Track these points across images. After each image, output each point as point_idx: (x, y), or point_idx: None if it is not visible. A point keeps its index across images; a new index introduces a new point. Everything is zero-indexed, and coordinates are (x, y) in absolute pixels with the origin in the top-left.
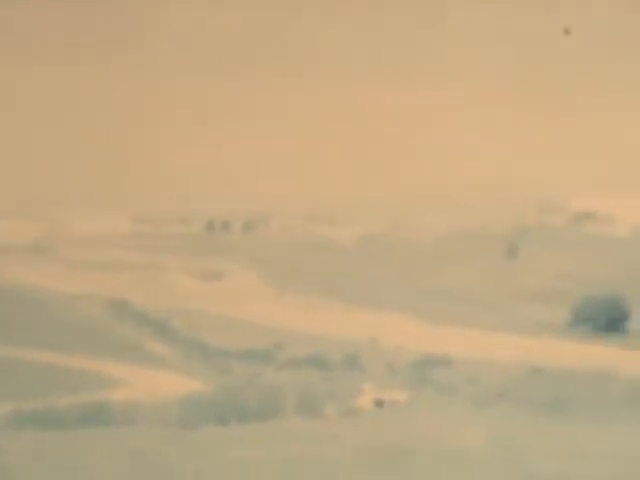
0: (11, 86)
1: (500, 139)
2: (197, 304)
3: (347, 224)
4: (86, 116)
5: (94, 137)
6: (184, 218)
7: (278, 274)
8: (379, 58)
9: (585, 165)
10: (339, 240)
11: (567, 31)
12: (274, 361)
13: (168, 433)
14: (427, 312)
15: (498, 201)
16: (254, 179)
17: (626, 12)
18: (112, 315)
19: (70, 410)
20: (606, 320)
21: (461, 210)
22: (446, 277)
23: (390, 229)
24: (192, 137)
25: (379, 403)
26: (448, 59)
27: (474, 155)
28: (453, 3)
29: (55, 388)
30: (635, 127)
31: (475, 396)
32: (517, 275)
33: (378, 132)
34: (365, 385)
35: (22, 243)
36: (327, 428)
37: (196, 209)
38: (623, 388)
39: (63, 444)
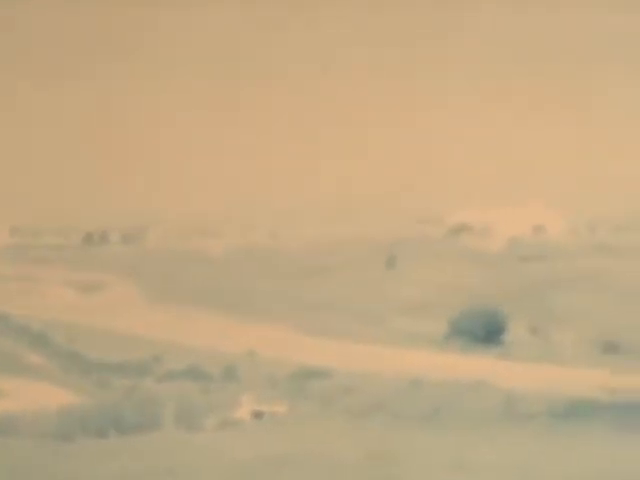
0: None
1: (376, 151)
2: (75, 316)
3: (225, 235)
4: None
5: None
6: (62, 230)
7: (157, 286)
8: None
9: (462, 177)
10: (217, 251)
11: None
12: (152, 373)
13: (46, 445)
14: (305, 323)
15: (376, 212)
16: (132, 191)
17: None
18: None
19: None
20: (483, 332)
21: (339, 221)
22: (324, 288)
23: (268, 240)
24: (71, 149)
25: (257, 415)
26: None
27: (352, 167)
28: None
29: None
30: (512, 141)
31: (353, 408)
32: (395, 287)
33: (260, 142)
34: (243, 397)
35: None
36: (206, 440)
37: (74, 221)
38: (500, 399)
39: None
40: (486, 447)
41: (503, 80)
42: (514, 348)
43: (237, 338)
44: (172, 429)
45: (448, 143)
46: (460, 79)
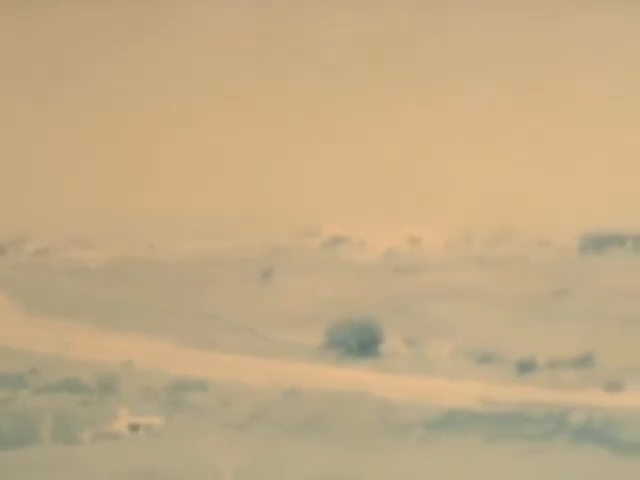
0: None
1: (252, 165)
2: None
3: (103, 247)
4: None
5: None
6: None
7: (33, 298)
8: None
9: (338, 190)
10: (95, 263)
11: None
12: (29, 386)
13: None
14: (182, 336)
15: (252, 225)
16: (7, 202)
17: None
18: None
19: None
20: (359, 343)
21: (216, 233)
22: (201, 300)
23: (145, 252)
24: None
25: (134, 427)
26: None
27: (228, 179)
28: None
29: None
30: (388, 154)
31: (230, 419)
32: (272, 299)
33: (138, 155)
34: (121, 409)
35: None
36: (83, 453)
37: None
38: (376, 410)
39: None
40: (363, 457)
41: (384, 96)
42: (390, 359)
43: (114, 350)
44: (49, 442)
45: (324, 155)
46: (332, 96)
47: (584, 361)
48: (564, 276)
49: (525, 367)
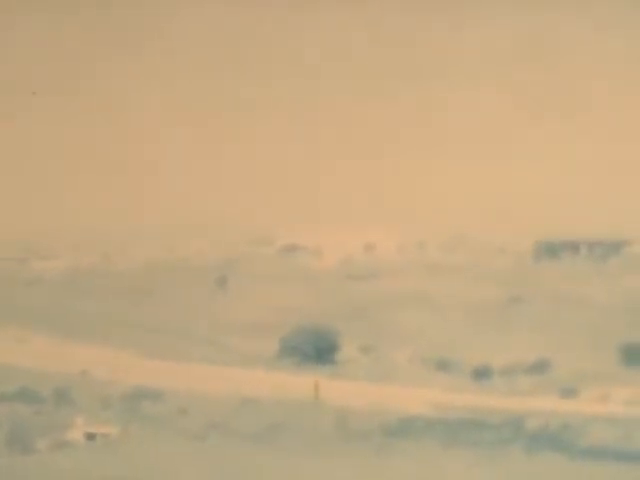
0: None
1: (205, 172)
2: None
3: (56, 256)
4: None
5: None
6: None
7: None
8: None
9: (292, 197)
10: (49, 272)
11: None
12: None
13: None
14: (138, 345)
15: (206, 233)
16: None
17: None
18: None
19: None
20: (315, 351)
21: (169, 242)
22: (156, 310)
23: (100, 261)
24: None
25: (90, 436)
26: None
27: (184, 188)
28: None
29: None
30: (341, 161)
31: (186, 428)
32: (226, 307)
33: (85, 166)
34: (76, 418)
35: None
36: (38, 462)
37: None
38: (332, 417)
39: None
40: (319, 465)
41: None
42: (346, 367)
43: (69, 360)
44: (4, 451)
45: (276, 162)
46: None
47: (539, 367)
48: (519, 283)
49: (481, 374)
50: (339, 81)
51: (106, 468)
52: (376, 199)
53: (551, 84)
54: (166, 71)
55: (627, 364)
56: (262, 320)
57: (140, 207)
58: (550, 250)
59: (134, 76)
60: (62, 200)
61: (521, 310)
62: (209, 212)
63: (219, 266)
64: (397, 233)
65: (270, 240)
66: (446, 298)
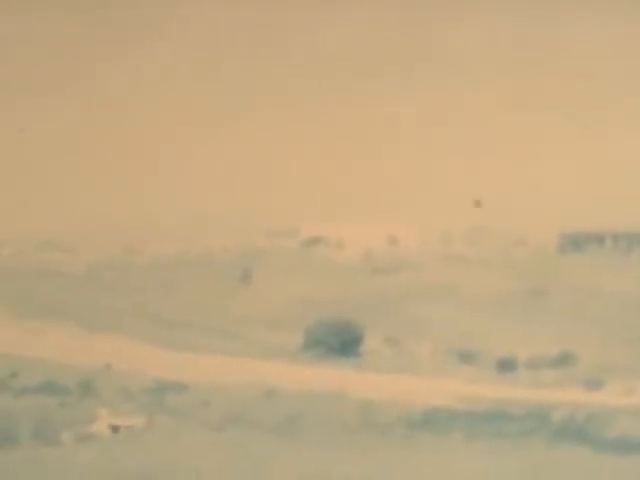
0: None
1: (228, 165)
2: None
3: (78, 249)
4: None
5: None
6: None
7: (11, 301)
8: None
9: (316, 190)
10: (72, 265)
11: (477, 203)
12: (9, 389)
13: None
14: (161, 337)
15: (230, 226)
16: None
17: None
18: None
19: None
20: (339, 343)
21: (193, 235)
22: (179, 302)
23: (120, 254)
24: None
25: (115, 429)
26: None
27: (206, 180)
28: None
29: None
30: (366, 154)
31: (210, 420)
32: (250, 299)
33: (106, 156)
34: (100, 411)
35: None
36: (63, 455)
37: None
38: (356, 409)
39: None
40: (343, 458)
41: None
42: (370, 359)
43: (93, 352)
44: (29, 444)
45: (300, 155)
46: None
47: (564, 360)
48: (543, 275)
49: (505, 366)
50: (359, 74)
51: (130, 459)
52: (399, 192)
53: (578, 74)
54: (181, 58)
55: None
56: (286, 312)
57: (162, 200)
58: (574, 242)
59: (145, 64)
60: (81, 193)
61: (545, 302)
62: (231, 204)
63: (241, 258)
64: (420, 225)
65: (293, 232)
66: (470, 290)
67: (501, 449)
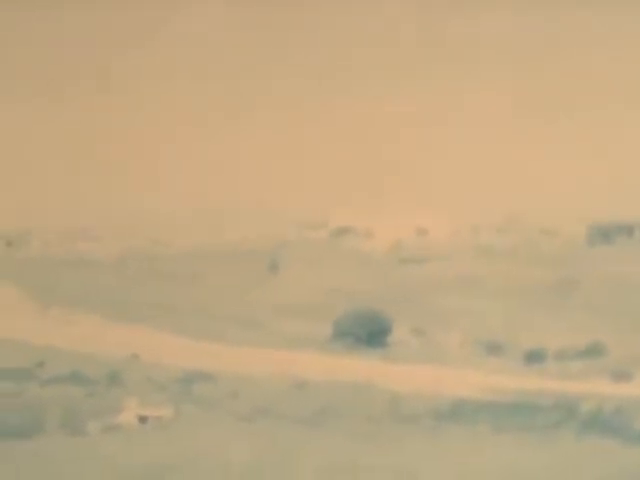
0: None
1: (256, 155)
2: None
3: (107, 240)
4: None
5: None
6: None
7: (39, 291)
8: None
9: (344, 180)
10: (99, 256)
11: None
12: (36, 378)
13: None
14: (189, 328)
15: (257, 217)
16: (14, 195)
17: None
18: None
19: None
20: (367, 334)
21: (220, 226)
22: (207, 293)
23: (150, 245)
24: None
25: (142, 419)
26: None
27: (232, 171)
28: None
29: None
30: (395, 144)
31: (239, 411)
32: (278, 290)
33: (135, 149)
34: (128, 401)
35: None
36: (90, 444)
37: None
38: (384, 400)
39: None
40: (371, 448)
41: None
42: (398, 349)
43: (120, 342)
44: (57, 434)
45: (329, 145)
46: (336, 83)
47: (593, 351)
48: (572, 266)
49: (533, 357)
50: (384, 66)
51: (158, 451)
52: (428, 183)
53: (602, 66)
54: (200, 54)
55: None
56: (314, 303)
57: (191, 192)
58: (603, 233)
59: (168, 52)
60: (110, 183)
61: (575, 293)
62: (261, 196)
63: (270, 249)
64: (449, 216)
65: (322, 223)
66: (498, 281)
67: (528, 441)
